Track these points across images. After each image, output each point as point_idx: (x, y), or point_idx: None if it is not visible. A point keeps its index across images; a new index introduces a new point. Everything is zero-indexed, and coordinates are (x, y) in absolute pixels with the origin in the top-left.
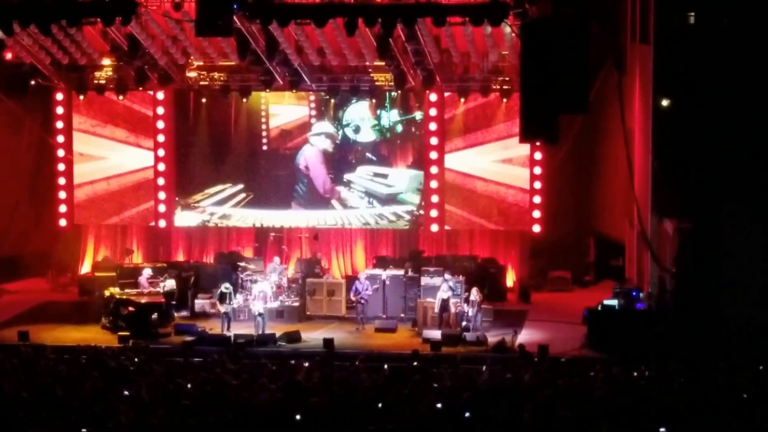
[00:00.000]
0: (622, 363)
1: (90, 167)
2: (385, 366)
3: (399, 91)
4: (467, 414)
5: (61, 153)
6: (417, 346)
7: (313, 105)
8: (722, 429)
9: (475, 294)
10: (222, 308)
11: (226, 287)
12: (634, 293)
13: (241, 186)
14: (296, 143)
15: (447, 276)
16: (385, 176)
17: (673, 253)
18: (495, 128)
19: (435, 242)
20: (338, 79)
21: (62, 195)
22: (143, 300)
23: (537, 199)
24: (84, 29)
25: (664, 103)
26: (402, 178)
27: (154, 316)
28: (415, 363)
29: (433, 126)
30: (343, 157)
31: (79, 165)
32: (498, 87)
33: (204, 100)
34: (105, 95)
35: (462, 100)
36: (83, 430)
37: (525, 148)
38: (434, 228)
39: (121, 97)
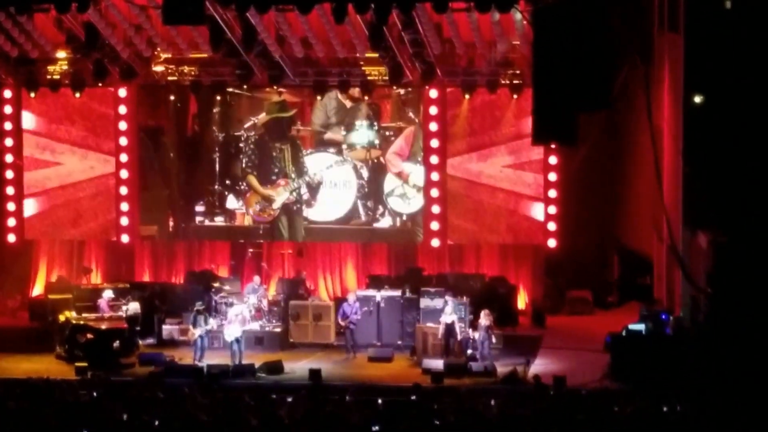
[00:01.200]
0: (649, 396)
1: (42, 174)
2: (379, 400)
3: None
4: None
5: (9, 158)
6: (416, 377)
7: None
8: None
9: (484, 318)
10: (196, 332)
11: (200, 305)
12: (663, 316)
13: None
14: None
15: (450, 297)
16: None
17: (707, 271)
18: (504, 129)
19: (436, 259)
20: (325, 73)
21: (10, 206)
22: (103, 326)
23: (552, 210)
24: (35, 17)
25: (697, 99)
26: None
27: (116, 344)
28: (413, 397)
29: (433, 126)
30: None
31: (29, 172)
32: (507, 82)
33: (172, 98)
34: (59, 92)
35: (466, 96)
36: None
37: (539, 152)
38: (435, 243)
39: (77, 94)
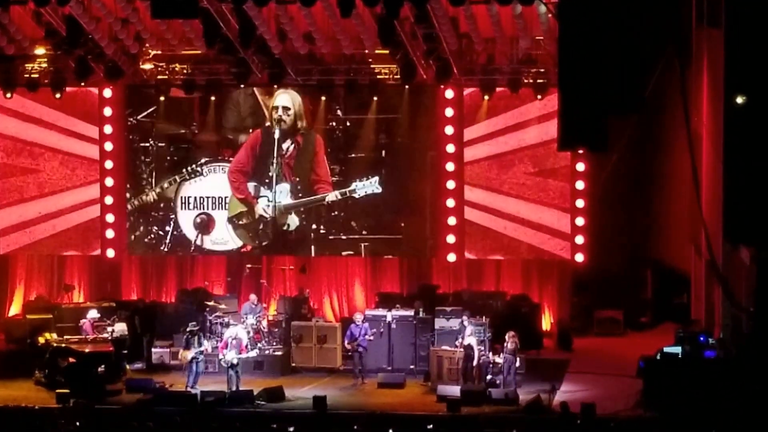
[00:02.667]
0: (686, 426)
1: (19, 182)
2: (391, 431)
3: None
4: None
5: None
6: (431, 405)
7: None
8: None
9: (510, 340)
10: (189, 354)
11: (193, 325)
12: (702, 338)
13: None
14: None
15: (467, 317)
16: None
17: (750, 288)
18: (527, 132)
19: (452, 275)
20: (331, 71)
21: None
22: (87, 349)
23: (580, 221)
24: (11, 10)
25: (739, 100)
26: None
27: (101, 368)
28: (429, 426)
29: (449, 130)
30: None
31: (5, 180)
32: (530, 81)
33: (162, 98)
34: (38, 92)
35: (485, 97)
36: None
37: (565, 158)
38: (451, 257)
39: (58, 95)
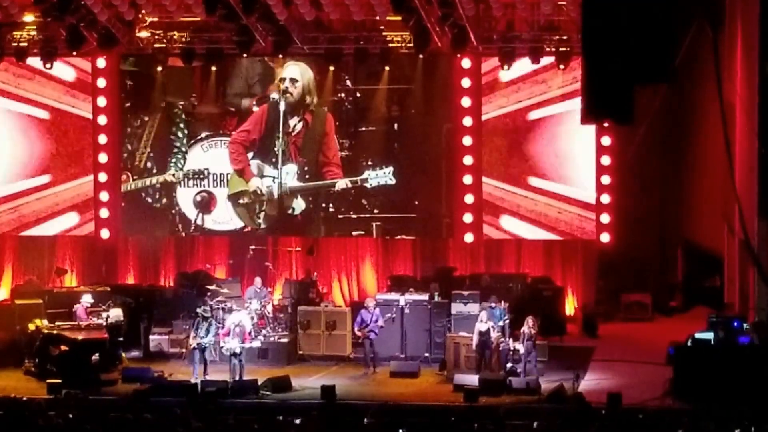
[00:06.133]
0: (718, 417)
1: (6, 158)
2: (404, 423)
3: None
4: None
5: None
6: (447, 395)
7: None
8: None
9: (529, 324)
10: (193, 341)
11: (205, 310)
12: (735, 323)
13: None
14: None
15: (486, 302)
16: None
17: None
18: (548, 104)
19: (470, 257)
20: (339, 39)
21: None
22: (80, 336)
23: (605, 199)
24: None
25: None
26: None
27: (95, 357)
28: (448, 418)
29: (466, 101)
30: None
31: None
32: (553, 49)
33: (160, 68)
34: (26, 62)
35: (504, 66)
36: None
37: (590, 132)
38: (469, 238)
39: (48, 65)
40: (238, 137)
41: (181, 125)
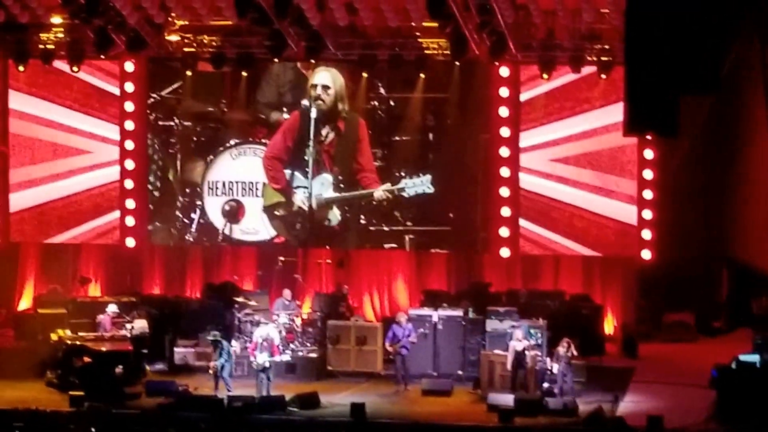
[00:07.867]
0: None
1: (30, 163)
2: None
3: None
4: None
5: None
6: (480, 415)
7: None
8: None
9: (565, 347)
10: (217, 363)
11: (215, 334)
12: None
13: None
14: None
15: (522, 319)
16: None
17: None
18: (589, 115)
19: (506, 272)
20: (374, 45)
21: None
22: (104, 347)
23: (648, 215)
24: None
25: None
26: None
27: (119, 369)
28: None
29: (503, 111)
30: None
31: (17, 161)
32: (594, 58)
33: (189, 73)
34: (53, 65)
35: (544, 75)
36: None
37: (632, 144)
38: (505, 253)
39: (75, 68)
40: (273, 151)
41: (209, 132)
